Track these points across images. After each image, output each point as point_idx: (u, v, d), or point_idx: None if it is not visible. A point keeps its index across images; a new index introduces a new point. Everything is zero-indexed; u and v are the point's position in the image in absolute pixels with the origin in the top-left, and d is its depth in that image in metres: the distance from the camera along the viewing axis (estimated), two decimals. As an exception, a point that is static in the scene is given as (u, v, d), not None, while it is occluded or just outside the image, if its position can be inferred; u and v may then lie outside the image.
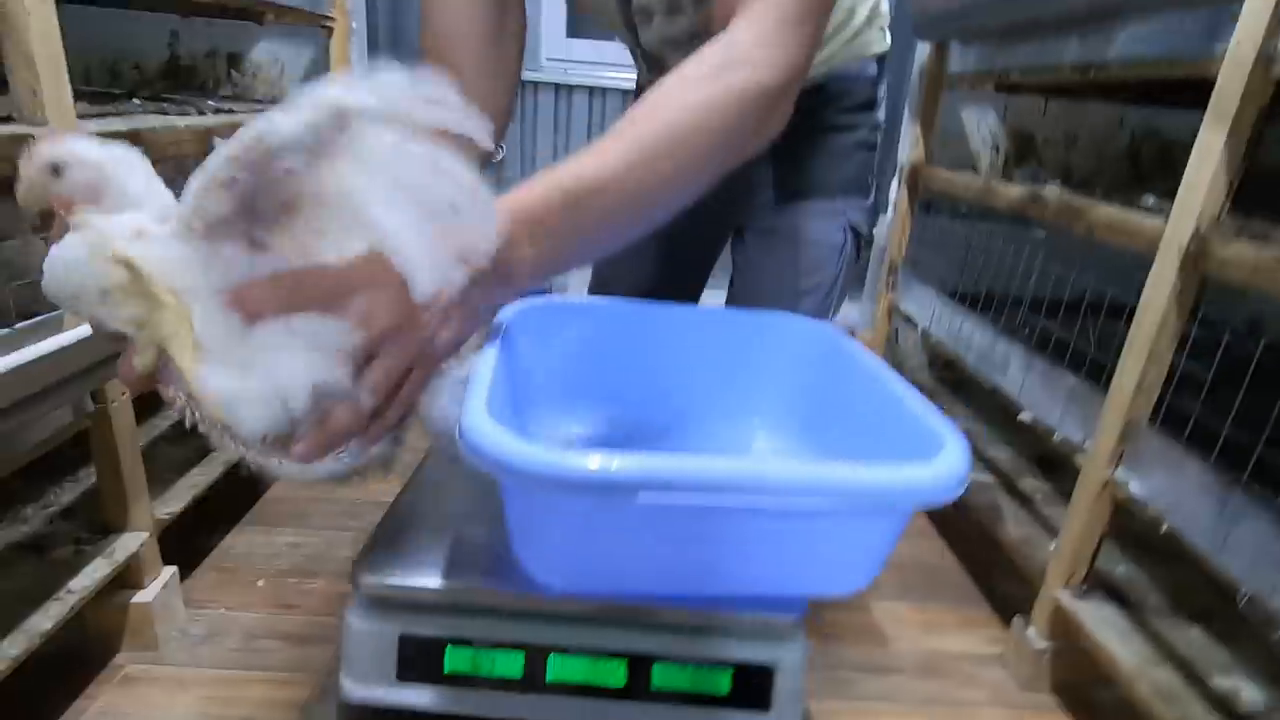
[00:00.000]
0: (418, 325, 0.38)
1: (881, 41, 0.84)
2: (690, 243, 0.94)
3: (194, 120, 1.04)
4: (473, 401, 0.38)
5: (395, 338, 0.38)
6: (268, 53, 1.64)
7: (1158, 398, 0.95)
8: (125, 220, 0.36)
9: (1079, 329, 1.18)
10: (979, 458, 1.50)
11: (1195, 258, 0.87)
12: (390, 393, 0.39)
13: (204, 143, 1.06)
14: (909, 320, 1.73)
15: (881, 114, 0.87)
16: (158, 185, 0.39)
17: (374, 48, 1.87)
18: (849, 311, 2.09)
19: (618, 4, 0.75)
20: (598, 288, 0.99)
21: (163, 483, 1.14)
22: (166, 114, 1.17)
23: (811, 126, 0.80)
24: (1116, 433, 0.98)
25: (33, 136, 0.74)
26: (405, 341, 0.38)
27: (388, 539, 0.50)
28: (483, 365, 0.44)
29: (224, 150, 0.34)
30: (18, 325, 0.78)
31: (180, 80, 1.69)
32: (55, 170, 0.36)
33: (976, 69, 1.56)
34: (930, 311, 1.61)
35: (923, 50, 1.71)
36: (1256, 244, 0.81)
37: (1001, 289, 1.44)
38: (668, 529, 0.38)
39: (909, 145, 1.77)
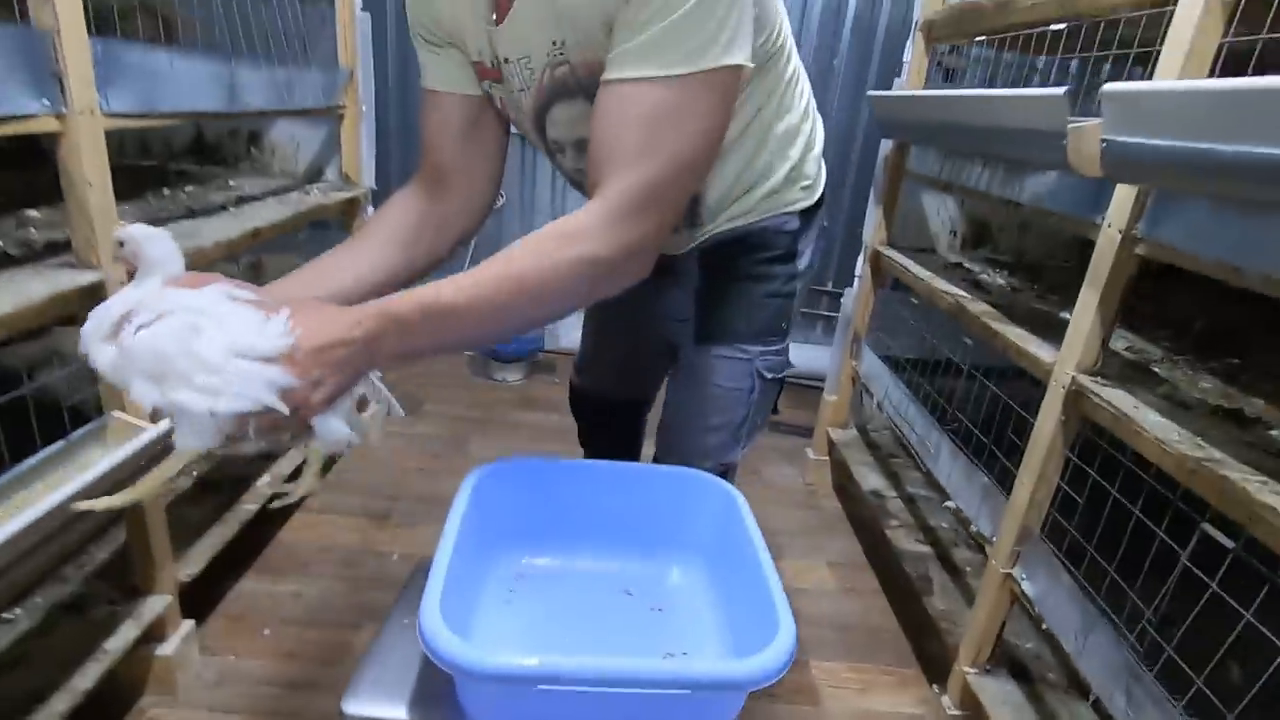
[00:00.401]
0: (292, 398, 0.56)
1: (805, 198, 0.90)
2: (643, 359, 1.11)
3: (220, 237, 1.19)
4: (428, 599, 0.53)
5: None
6: (286, 133, 1.79)
7: (1056, 507, 1.09)
8: (116, 306, 0.57)
9: (998, 421, 1.32)
10: (921, 526, 1.65)
11: (1075, 398, 1.01)
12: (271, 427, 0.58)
13: (229, 249, 1.21)
14: (868, 390, 1.87)
15: (804, 262, 0.92)
16: (172, 253, 0.59)
17: (383, 130, 2.01)
18: (813, 358, 2.23)
19: (536, 134, 0.83)
20: (579, 385, 1.20)
21: (183, 541, 1.30)
22: (194, 215, 1.33)
23: (729, 275, 0.89)
24: (1014, 536, 1.12)
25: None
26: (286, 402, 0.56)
27: (370, 674, 0.65)
28: (440, 554, 0.59)
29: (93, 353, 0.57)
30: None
31: (205, 156, 1.85)
32: (120, 243, 0.60)
33: (931, 170, 1.70)
34: (884, 387, 1.76)
35: (888, 142, 1.84)
36: (1121, 396, 0.95)
37: (946, 363, 1.59)
38: (563, 709, 0.53)
39: (872, 227, 1.91)
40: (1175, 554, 0.85)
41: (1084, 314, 1.00)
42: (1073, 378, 1.00)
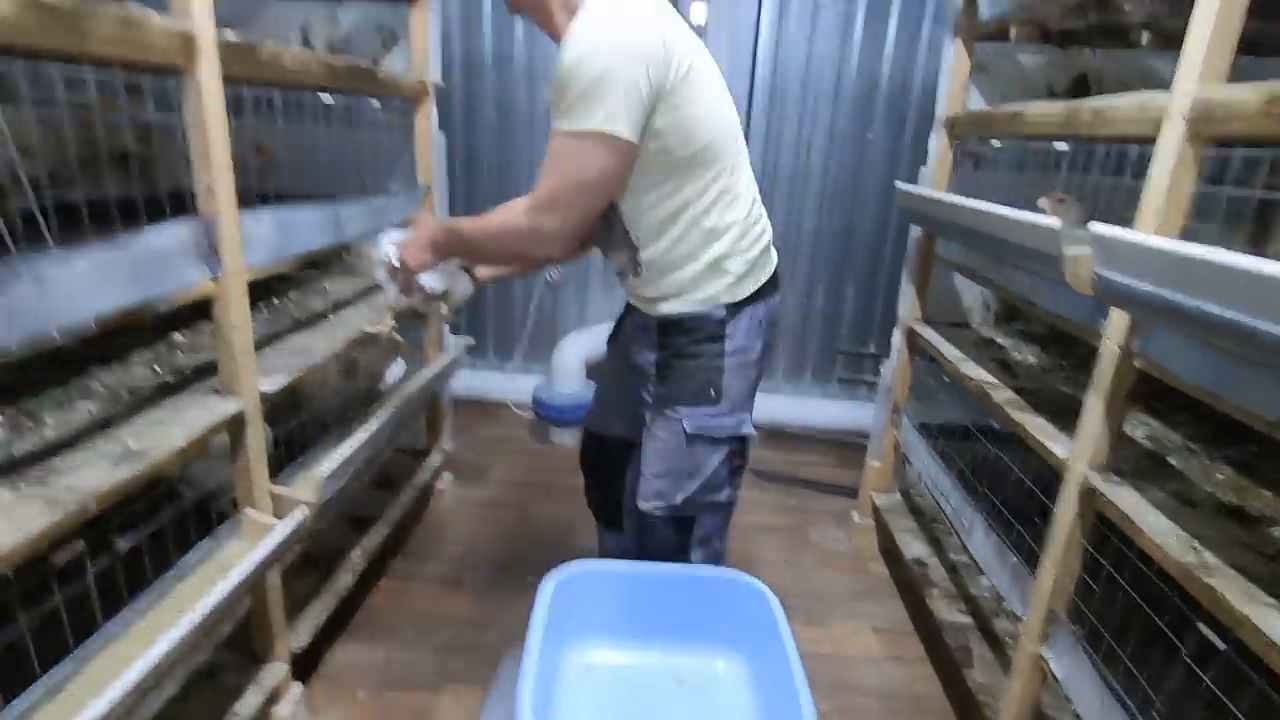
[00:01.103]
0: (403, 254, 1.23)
1: (728, 295, 1.15)
2: (629, 401, 1.32)
3: (326, 350, 1.40)
4: (522, 699, 0.68)
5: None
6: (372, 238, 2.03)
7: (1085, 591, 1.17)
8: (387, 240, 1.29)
9: (1030, 491, 1.40)
10: (962, 595, 1.72)
11: (1088, 494, 1.10)
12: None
13: (336, 357, 1.42)
14: (907, 459, 1.96)
15: (733, 343, 1.16)
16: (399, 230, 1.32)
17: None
18: (859, 416, 2.32)
19: None
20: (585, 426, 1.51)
21: (291, 610, 1.48)
22: (300, 326, 1.54)
23: (672, 351, 1.17)
24: (1042, 616, 1.20)
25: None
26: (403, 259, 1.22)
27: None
28: (527, 659, 0.74)
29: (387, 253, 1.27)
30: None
31: (303, 261, 2.09)
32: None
33: (956, 257, 1.81)
34: (921, 458, 1.84)
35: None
36: (1128, 495, 1.04)
37: (981, 429, 1.67)
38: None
39: (907, 305, 2.02)
40: (1198, 642, 0.93)
41: (1091, 417, 1.10)
42: (1084, 476, 1.10)
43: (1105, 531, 1.12)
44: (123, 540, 1.17)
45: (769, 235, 1.22)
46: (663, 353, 1.19)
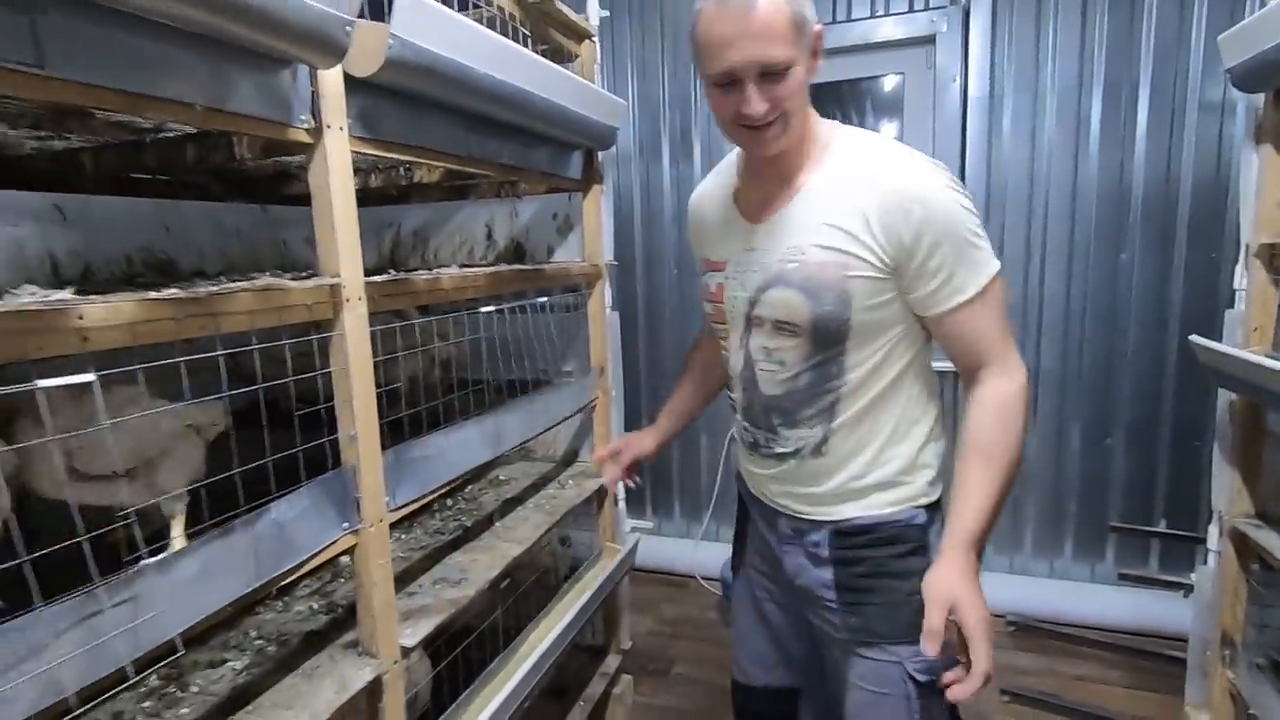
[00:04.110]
0: None
1: (929, 492, 0.98)
2: (786, 638, 1.14)
3: (488, 574, 1.26)
4: None
5: None
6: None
7: None
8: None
9: None
10: None
11: None
12: None
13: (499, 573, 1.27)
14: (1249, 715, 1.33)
15: (934, 556, 0.93)
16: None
17: (631, 408, 2.10)
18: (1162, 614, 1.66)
19: None
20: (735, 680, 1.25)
21: None
22: (467, 533, 1.43)
23: (866, 570, 0.96)
24: None
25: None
26: None
27: None
28: None
29: None
30: None
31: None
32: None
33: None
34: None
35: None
36: None
37: None
38: None
39: (1227, 495, 1.45)
40: None
41: None
42: None
43: None
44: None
45: None
46: (854, 570, 0.97)
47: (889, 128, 2.53)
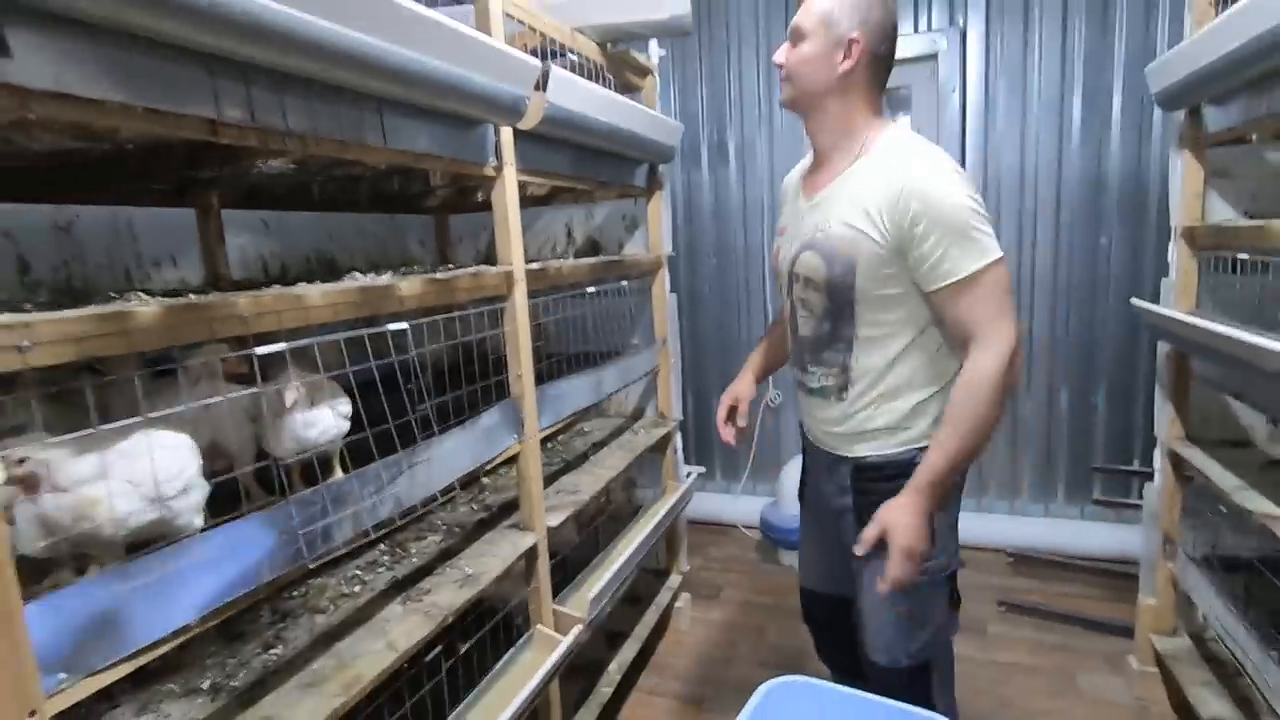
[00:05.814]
0: None
1: (927, 437, 1.15)
2: (833, 554, 1.31)
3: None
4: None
5: None
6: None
7: None
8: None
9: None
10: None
11: None
12: None
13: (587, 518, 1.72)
14: (1189, 599, 1.73)
15: None
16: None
17: (687, 375, 2.52)
18: (1125, 540, 2.07)
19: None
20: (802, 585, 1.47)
21: (564, 718, 1.73)
22: (568, 466, 1.89)
23: (879, 497, 1.14)
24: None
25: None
26: None
27: None
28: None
29: None
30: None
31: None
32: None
33: (1214, 376, 1.66)
34: (1207, 601, 1.63)
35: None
36: None
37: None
38: None
39: (1165, 422, 1.85)
40: None
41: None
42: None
43: None
44: (461, 645, 1.51)
45: None
46: (861, 498, 1.19)
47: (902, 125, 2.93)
